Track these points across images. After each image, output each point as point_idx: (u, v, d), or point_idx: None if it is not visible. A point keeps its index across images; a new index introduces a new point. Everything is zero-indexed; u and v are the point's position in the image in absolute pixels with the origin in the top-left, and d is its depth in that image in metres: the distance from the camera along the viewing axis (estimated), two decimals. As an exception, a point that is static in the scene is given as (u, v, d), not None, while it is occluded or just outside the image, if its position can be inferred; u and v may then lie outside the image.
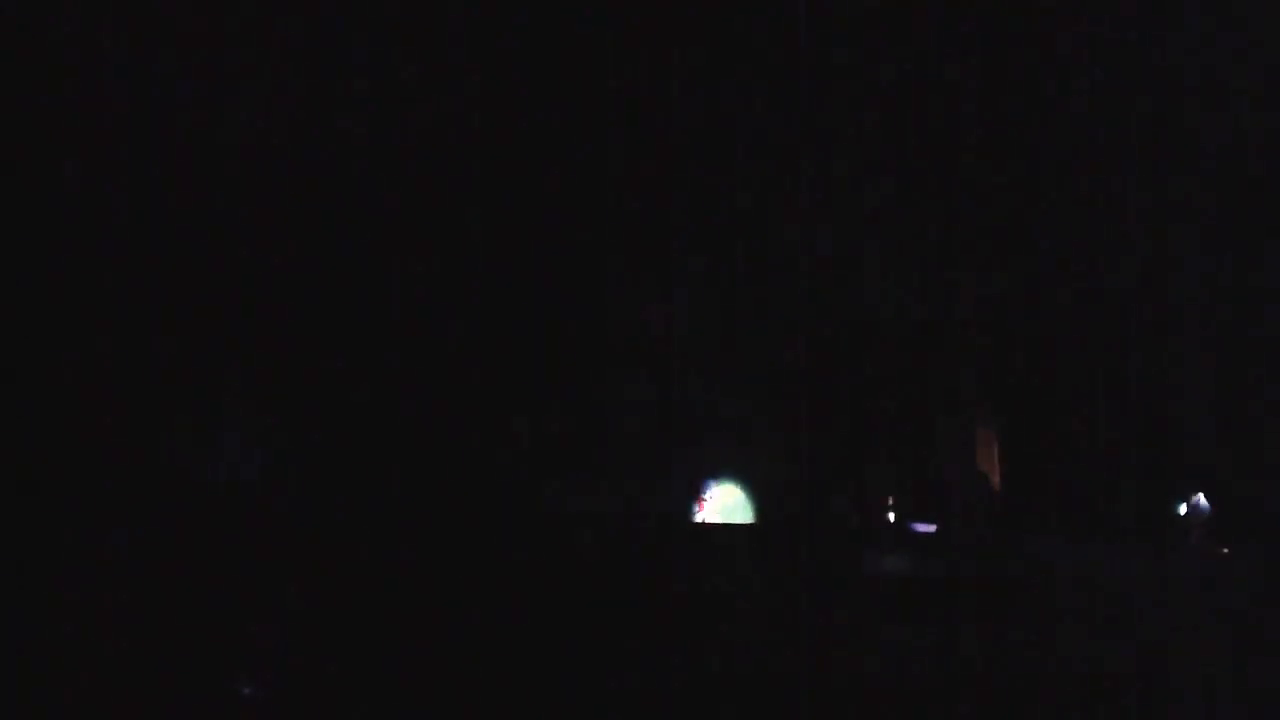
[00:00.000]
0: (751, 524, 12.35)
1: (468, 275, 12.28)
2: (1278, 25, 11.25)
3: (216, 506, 7.92)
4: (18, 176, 9.72)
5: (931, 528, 11.17)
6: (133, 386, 10.20)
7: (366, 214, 11.22)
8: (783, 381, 13.62)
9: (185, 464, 9.74)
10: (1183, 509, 11.28)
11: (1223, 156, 11.76)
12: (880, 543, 9.85)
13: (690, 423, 13.80)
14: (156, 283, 10.59)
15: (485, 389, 11.73)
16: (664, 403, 13.47)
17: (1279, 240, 11.68)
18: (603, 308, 13.26)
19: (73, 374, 9.54)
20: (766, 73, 13.18)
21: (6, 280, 9.47)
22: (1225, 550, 10.38)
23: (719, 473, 14.99)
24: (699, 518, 14.66)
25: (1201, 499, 11.19)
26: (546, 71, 12.68)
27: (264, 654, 5.16)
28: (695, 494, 14.67)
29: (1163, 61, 11.85)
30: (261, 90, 11.19)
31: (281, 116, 11.28)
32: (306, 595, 5.47)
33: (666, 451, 13.75)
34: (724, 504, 13.58)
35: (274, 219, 11.06)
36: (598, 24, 12.48)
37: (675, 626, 6.20)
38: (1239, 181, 11.79)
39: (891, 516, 11.70)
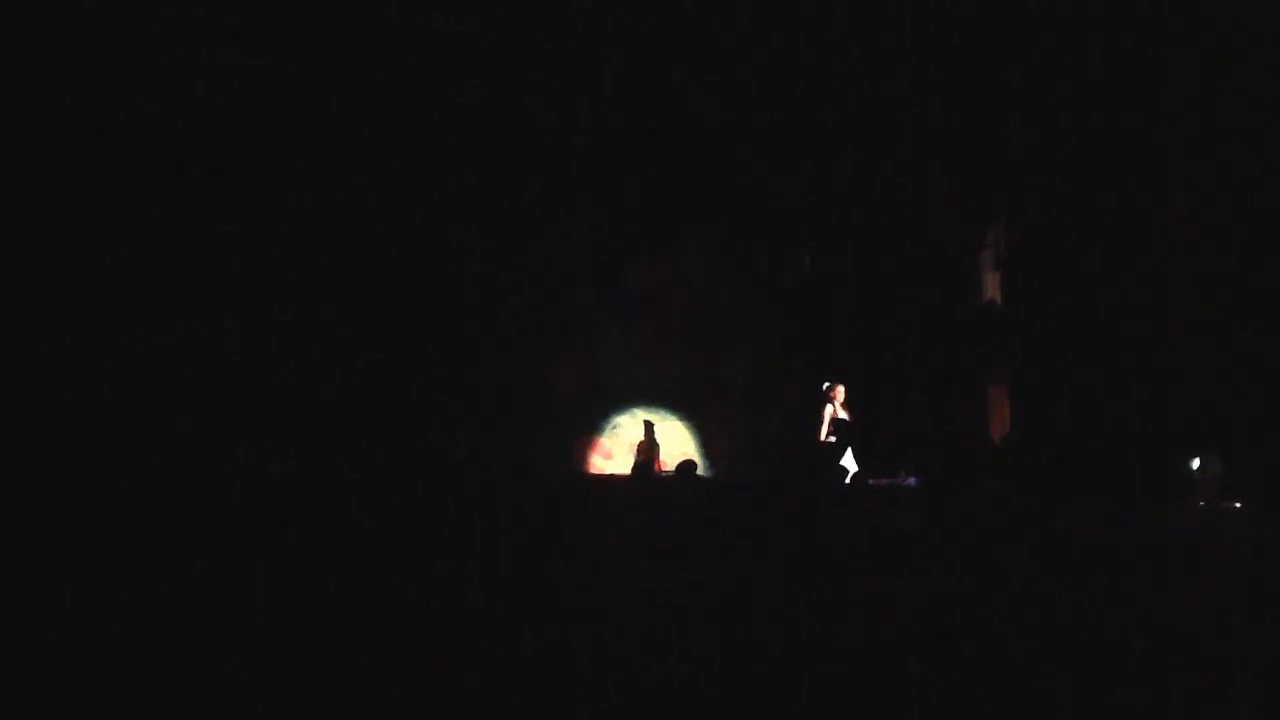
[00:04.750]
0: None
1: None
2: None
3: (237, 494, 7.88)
4: (48, 168, 9.70)
5: (913, 480, 11.13)
6: (153, 374, 10.22)
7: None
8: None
9: (205, 450, 9.76)
10: (1195, 464, 11.18)
11: (1225, 128, 11.57)
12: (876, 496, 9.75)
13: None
14: (177, 274, 10.63)
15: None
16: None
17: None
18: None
19: (92, 363, 9.54)
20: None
21: (29, 271, 9.46)
22: (1238, 505, 10.29)
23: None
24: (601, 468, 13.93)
25: (1213, 454, 11.08)
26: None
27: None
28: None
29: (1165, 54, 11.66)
30: (263, 95, 11.21)
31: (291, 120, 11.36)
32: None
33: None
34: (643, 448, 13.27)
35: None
36: None
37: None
38: (1240, 149, 11.60)
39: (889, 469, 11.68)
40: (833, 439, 11.32)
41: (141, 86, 10.29)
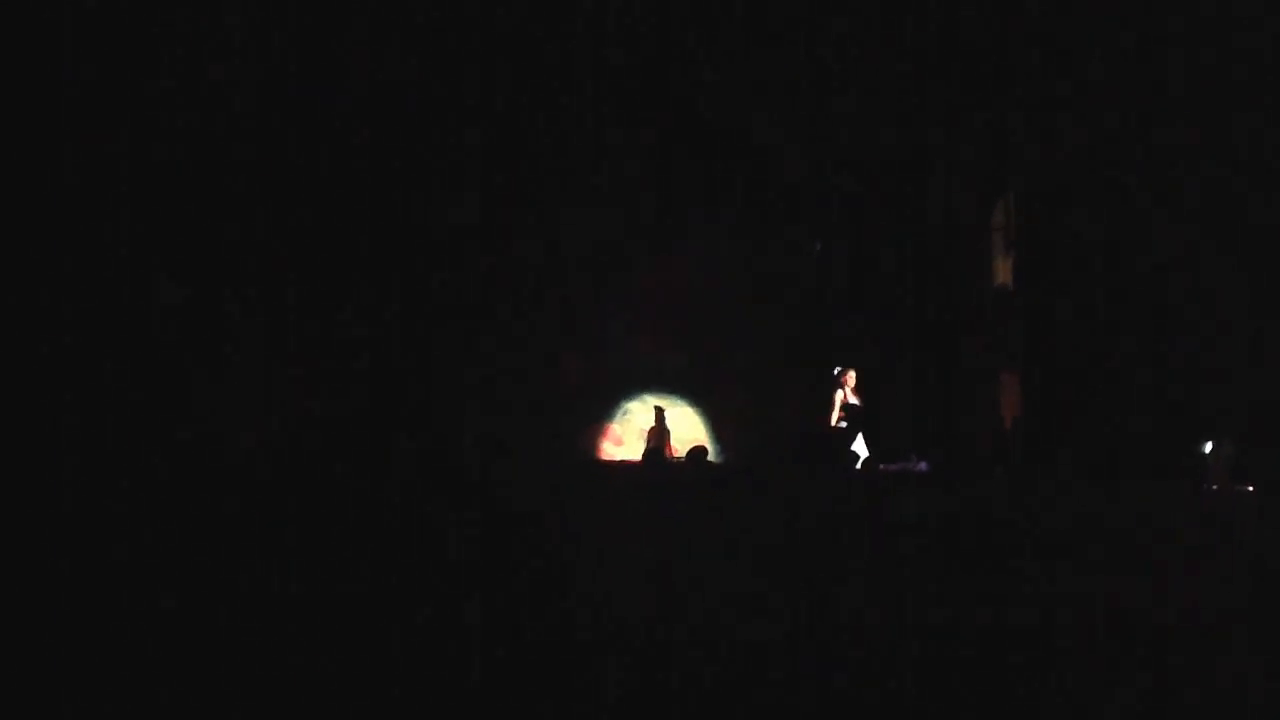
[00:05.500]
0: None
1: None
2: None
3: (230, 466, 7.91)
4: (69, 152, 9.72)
5: (924, 465, 11.11)
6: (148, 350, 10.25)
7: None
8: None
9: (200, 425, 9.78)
10: (1207, 448, 11.15)
11: (1232, 117, 11.50)
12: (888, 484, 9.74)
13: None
14: (186, 270, 10.67)
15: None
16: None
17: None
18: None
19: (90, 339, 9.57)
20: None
21: (29, 270, 9.48)
22: (1250, 489, 10.26)
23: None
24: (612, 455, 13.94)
25: (1225, 439, 11.05)
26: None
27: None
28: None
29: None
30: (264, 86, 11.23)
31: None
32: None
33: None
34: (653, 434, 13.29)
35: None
36: None
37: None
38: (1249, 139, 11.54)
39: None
40: (843, 424, 11.30)
41: (141, 84, 10.30)
